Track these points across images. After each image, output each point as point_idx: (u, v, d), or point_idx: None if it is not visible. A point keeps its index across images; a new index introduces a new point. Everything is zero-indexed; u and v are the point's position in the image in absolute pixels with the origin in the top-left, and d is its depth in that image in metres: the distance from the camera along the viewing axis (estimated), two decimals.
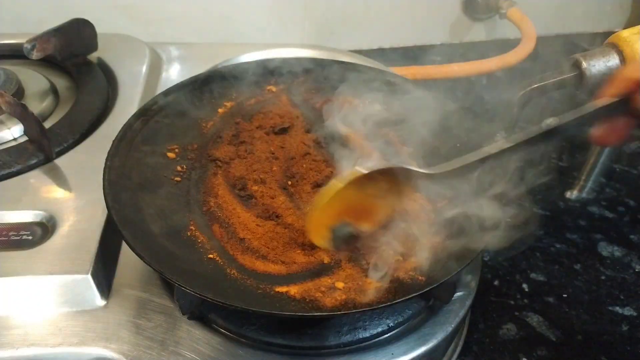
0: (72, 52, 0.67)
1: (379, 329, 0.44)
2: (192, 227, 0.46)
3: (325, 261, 0.43)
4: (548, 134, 0.38)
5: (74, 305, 0.44)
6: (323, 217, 0.40)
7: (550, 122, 0.38)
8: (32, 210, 0.49)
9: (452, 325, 0.45)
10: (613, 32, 0.56)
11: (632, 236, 0.64)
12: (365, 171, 0.38)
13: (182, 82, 0.59)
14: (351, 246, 0.43)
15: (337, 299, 0.39)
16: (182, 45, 0.78)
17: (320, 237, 0.41)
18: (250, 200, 0.49)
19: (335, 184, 0.38)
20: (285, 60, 0.63)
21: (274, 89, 0.62)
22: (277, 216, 0.47)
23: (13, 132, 0.58)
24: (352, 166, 0.39)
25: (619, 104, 0.36)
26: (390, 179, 0.40)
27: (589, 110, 0.37)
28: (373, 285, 0.40)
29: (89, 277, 0.44)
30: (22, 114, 0.55)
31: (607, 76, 0.52)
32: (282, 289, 0.41)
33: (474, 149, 0.50)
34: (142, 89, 0.66)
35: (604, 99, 0.37)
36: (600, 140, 0.39)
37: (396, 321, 0.44)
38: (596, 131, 0.38)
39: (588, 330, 0.53)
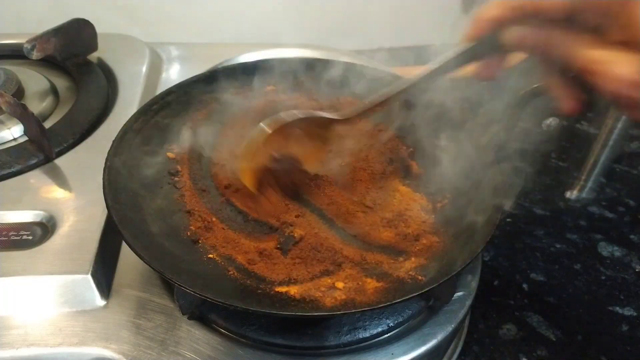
0: (72, 52, 0.67)
1: (379, 329, 0.44)
2: (191, 227, 0.46)
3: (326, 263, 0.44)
4: (446, 66, 0.41)
5: (74, 305, 0.44)
6: (253, 162, 0.43)
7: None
8: (32, 210, 0.49)
9: (452, 325, 0.45)
10: None
11: (632, 236, 0.64)
12: (269, 130, 0.42)
13: (182, 82, 0.59)
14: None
15: (337, 299, 0.39)
16: (182, 45, 0.78)
17: (251, 181, 0.44)
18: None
19: (263, 131, 0.42)
20: (285, 60, 0.63)
21: (273, 89, 0.62)
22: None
23: (13, 132, 0.58)
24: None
25: (491, 44, 0.38)
26: (310, 130, 0.43)
27: (460, 51, 0.40)
28: (373, 285, 0.41)
29: (89, 277, 0.44)
30: (22, 114, 0.55)
31: None
32: (282, 289, 0.41)
33: (474, 149, 0.50)
34: (142, 89, 0.66)
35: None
36: (481, 76, 0.41)
37: (396, 321, 0.44)
38: (476, 68, 0.41)
39: (588, 330, 0.53)
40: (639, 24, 0.30)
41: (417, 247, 0.44)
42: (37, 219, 0.48)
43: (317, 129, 0.44)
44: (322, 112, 0.44)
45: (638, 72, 0.31)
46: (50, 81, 0.66)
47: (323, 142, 0.45)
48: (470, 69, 0.41)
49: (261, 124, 0.42)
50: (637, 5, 0.30)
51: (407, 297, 0.38)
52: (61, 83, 0.67)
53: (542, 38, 0.35)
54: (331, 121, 0.43)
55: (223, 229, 0.46)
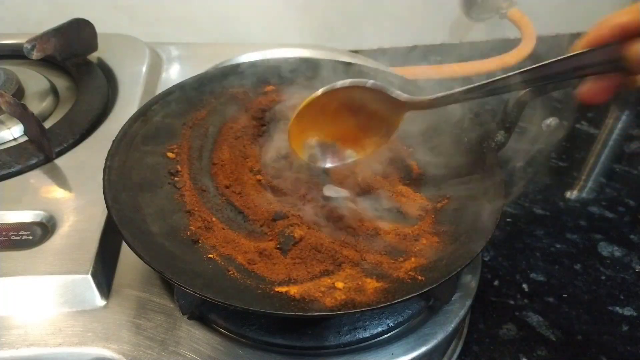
0: (72, 52, 0.67)
1: (379, 329, 0.44)
2: (191, 227, 0.46)
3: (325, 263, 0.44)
4: (534, 78, 0.36)
5: (74, 305, 0.44)
6: (304, 129, 0.42)
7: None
8: (32, 210, 0.49)
9: (452, 325, 0.45)
10: None
11: (632, 236, 0.64)
12: (344, 84, 0.41)
13: (182, 82, 0.59)
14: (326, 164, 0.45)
15: (337, 299, 0.39)
16: (182, 45, 0.78)
17: (300, 148, 0.43)
18: None
19: (314, 94, 0.41)
20: (285, 60, 0.63)
21: (273, 88, 0.62)
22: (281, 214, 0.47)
23: (13, 132, 0.58)
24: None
25: (606, 57, 0.32)
26: (368, 102, 0.42)
27: (575, 58, 0.33)
28: (373, 285, 0.40)
29: (89, 277, 0.44)
30: (22, 114, 0.55)
31: None
32: (282, 289, 0.41)
33: (474, 149, 0.50)
34: (142, 89, 0.66)
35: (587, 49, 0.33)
36: (587, 98, 0.34)
37: (396, 321, 0.44)
38: (583, 88, 0.34)
39: (588, 330, 0.53)
40: None
41: (417, 247, 0.44)
42: (37, 219, 0.48)
43: (377, 105, 0.41)
44: (388, 87, 0.41)
45: None
46: (50, 81, 0.66)
47: (372, 124, 0.43)
48: (581, 89, 0.35)
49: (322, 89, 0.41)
50: None
51: (407, 297, 0.38)
52: (61, 83, 0.67)
53: None
54: (399, 102, 0.41)
55: (223, 229, 0.46)
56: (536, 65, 0.35)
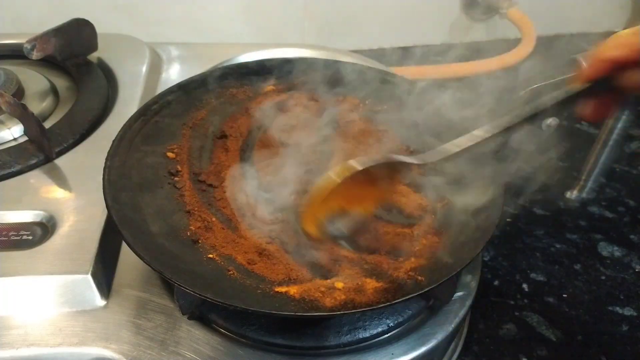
0: (72, 52, 0.67)
1: (379, 329, 0.44)
2: (191, 227, 0.46)
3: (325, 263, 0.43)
4: (534, 116, 0.38)
5: (74, 305, 0.44)
6: (318, 210, 0.40)
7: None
8: (32, 210, 0.49)
9: (452, 325, 0.45)
10: (613, 32, 0.56)
11: (632, 236, 0.64)
12: (360, 167, 0.39)
13: (182, 82, 0.59)
14: (345, 236, 0.43)
15: (336, 299, 0.39)
16: (182, 45, 0.78)
17: (315, 229, 0.41)
18: None
19: (331, 180, 0.39)
20: (285, 60, 0.63)
21: (273, 89, 0.62)
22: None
23: (13, 132, 0.58)
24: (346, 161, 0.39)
25: (602, 82, 0.35)
26: (382, 171, 0.40)
27: (573, 92, 0.36)
28: (373, 285, 0.40)
29: (89, 277, 0.44)
30: (22, 114, 0.55)
31: None
32: (281, 289, 0.41)
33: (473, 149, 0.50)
34: (142, 89, 0.66)
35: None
36: (589, 118, 0.38)
37: (396, 321, 0.44)
38: (583, 109, 0.37)
39: (588, 330, 0.53)
40: None
41: (417, 247, 0.44)
42: (37, 219, 0.48)
43: (389, 171, 0.41)
44: (399, 156, 0.41)
45: None
46: (50, 81, 0.66)
47: (391, 182, 0.43)
48: (582, 110, 0.38)
49: (330, 173, 0.39)
50: None
51: (407, 297, 0.38)
52: (61, 83, 0.67)
53: None
54: (409, 165, 0.40)
55: (223, 229, 0.46)
56: (543, 104, 0.37)
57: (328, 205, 0.40)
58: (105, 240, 0.47)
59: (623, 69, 0.33)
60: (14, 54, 0.70)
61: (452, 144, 0.40)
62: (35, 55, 0.63)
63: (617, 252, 0.62)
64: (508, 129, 0.39)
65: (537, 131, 0.71)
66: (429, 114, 0.52)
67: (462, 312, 0.46)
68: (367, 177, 0.40)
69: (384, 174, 0.41)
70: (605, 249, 0.62)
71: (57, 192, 0.51)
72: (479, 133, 0.39)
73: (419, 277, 0.41)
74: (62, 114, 0.61)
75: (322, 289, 0.40)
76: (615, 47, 0.33)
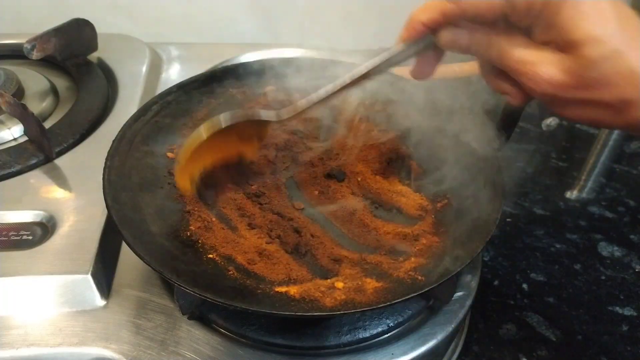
0: (72, 52, 0.67)
1: (379, 329, 0.44)
2: (191, 227, 0.46)
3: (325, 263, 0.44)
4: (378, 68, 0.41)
5: (74, 305, 0.44)
6: (190, 165, 0.42)
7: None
8: (32, 210, 0.49)
9: (452, 325, 0.45)
10: None
11: (632, 236, 0.64)
12: (224, 124, 0.42)
13: (182, 82, 0.59)
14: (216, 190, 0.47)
15: (336, 299, 0.39)
16: (182, 45, 0.78)
17: (188, 183, 0.43)
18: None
19: (199, 135, 0.41)
20: (285, 60, 0.63)
21: (273, 89, 0.62)
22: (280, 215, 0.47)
23: (13, 132, 0.58)
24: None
25: (422, 46, 0.39)
26: (248, 128, 0.44)
27: (396, 52, 0.39)
28: (373, 285, 0.40)
29: (89, 277, 0.44)
30: (22, 114, 0.55)
31: None
32: (282, 289, 0.41)
33: (474, 149, 0.50)
34: (142, 89, 0.66)
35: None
36: (418, 75, 0.41)
37: (396, 321, 0.44)
38: (413, 69, 0.41)
39: (588, 330, 0.53)
40: (562, 24, 0.31)
41: (417, 247, 0.44)
42: (37, 219, 0.48)
43: (255, 128, 0.44)
44: (260, 110, 0.44)
45: (561, 72, 0.31)
46: (50, 81, 0.66)
47: (259, 138, 0.46)
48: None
49: (200, 128, 0.42)
50: (559, 6, 0.31)
51: (407, 297, 0.38)
52: (61, 83, 0.67)
53: (475, 40, 0.35)
54: (268, 123, 0.44)
55: (222, 229, 0.46)
56: (373, 62, 0.41)
57: (199, 160, 0.43)
58: (105, 240, 0.47)
59: (436, 30, 0.37)
60: (14, 54, 0.70)
61: (306, 99, 0.43)
62: (35, 55, 0.63)
63: (617, 252, 0.62)
64: (351, 84, 0.42)
65: (537, 131, 0.71)
66: (428, 113, 0.52)
67: (462, 312, 0.46)
68: (236, 132, 0.43)
69: (251, 131, 0.44)
70: (605, 249, 0.62)
71: (57, 192, 0.51)
72: (328, 88, 0.43)
73: (419, 277, 0.41)
74: (62, 114, 0.61)
75: (322, 289, 0.40)
76: (427, 11, 0.37)
